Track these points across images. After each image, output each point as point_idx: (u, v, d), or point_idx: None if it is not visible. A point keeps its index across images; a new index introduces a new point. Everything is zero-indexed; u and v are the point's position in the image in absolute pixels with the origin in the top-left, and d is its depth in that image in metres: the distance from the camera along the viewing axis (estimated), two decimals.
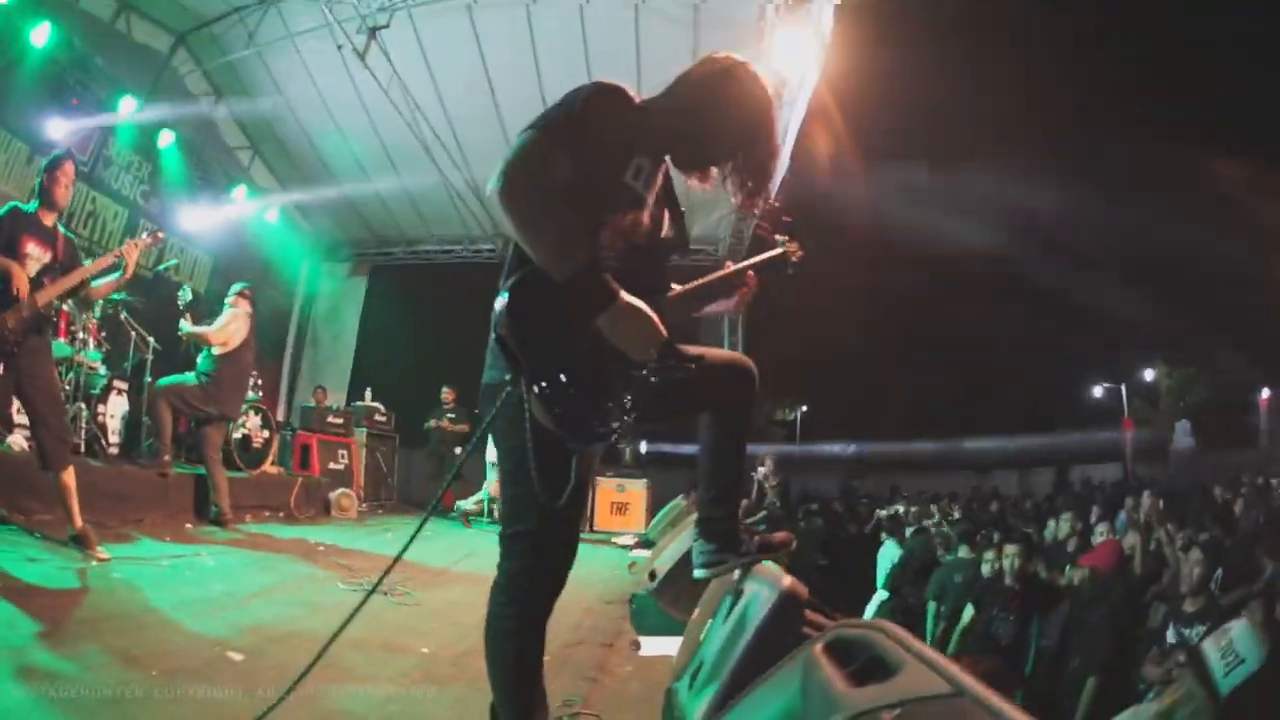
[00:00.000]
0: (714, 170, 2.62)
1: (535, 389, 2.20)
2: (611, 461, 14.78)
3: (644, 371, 2.35)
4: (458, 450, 14.65)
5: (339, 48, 10.61)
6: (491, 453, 5.10)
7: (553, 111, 2.32)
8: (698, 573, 3.12)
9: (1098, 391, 42.82)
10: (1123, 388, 40.40)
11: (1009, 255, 49.82)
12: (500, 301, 2.21)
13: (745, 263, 3.02)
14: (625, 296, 2.20)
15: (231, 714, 2.69)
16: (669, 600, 5.58)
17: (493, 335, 2.29)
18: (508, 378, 2.31)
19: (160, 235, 6.56)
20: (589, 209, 2.30)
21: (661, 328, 2.28)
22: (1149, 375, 41.68)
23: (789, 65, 10.03)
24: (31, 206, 5.39)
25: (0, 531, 5.64)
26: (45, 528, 5.80)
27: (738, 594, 3.14)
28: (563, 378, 2.22)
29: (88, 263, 5.68)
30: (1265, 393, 36.53)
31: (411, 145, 12.82)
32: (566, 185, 2.23)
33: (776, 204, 2.88)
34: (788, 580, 2.80)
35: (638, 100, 2.48)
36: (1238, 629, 3.04)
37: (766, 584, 2.88)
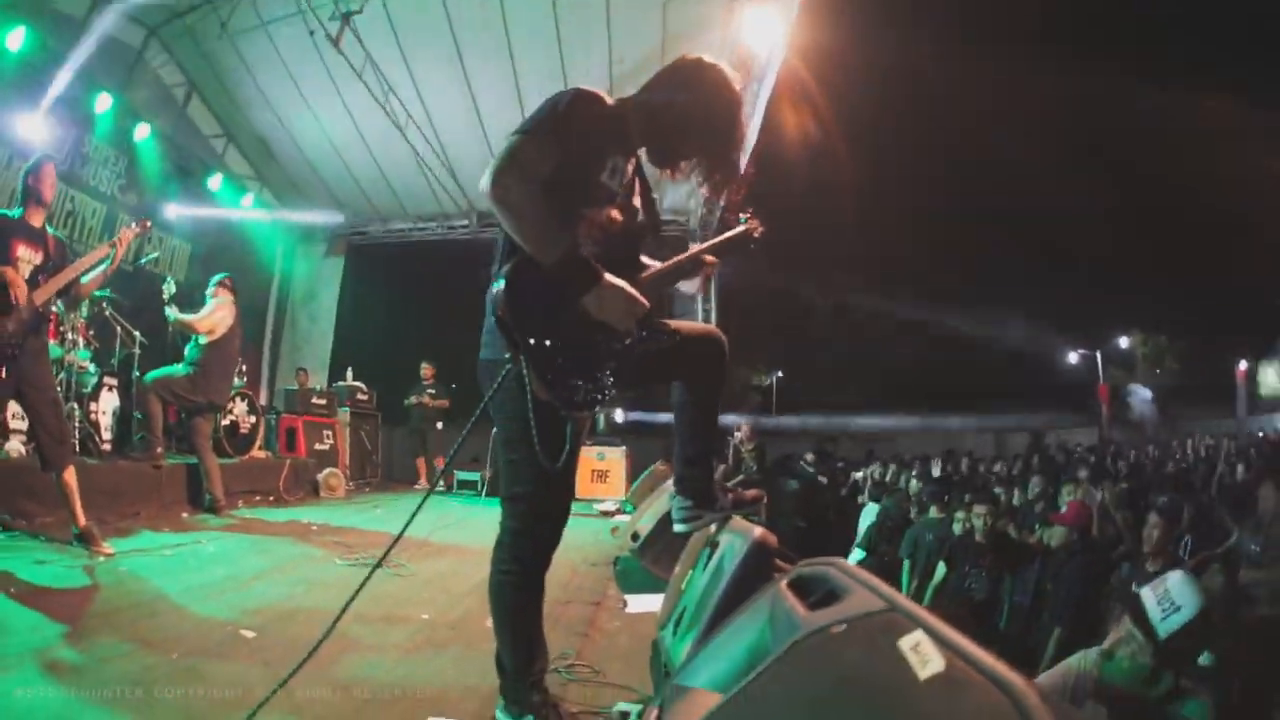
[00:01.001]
0: (684, 164, 2.87)
1: (533, 364, 2.48)
2: (590, 431, 14.95)
3: (627, 343, 2.63)
4: (439, 425, 14.86)
5: (311, 34, 10.68)
6: None
7: (536, 117, 2.56)
8: (677, 527, 3.36)
9: (1073, 358, 42.95)
10: (1098, 354, 40.62)
11: (984, 221, 50.01)
12: (497, 285, 2.49)
13: (710, 242, 3.26)
14: (608, 277, 2.50)
15: (252, 686, 2.85)
16: (651, 559, 5.85)
17: (491, 316, 2.56)
18: (506, 355, 2.57)
19: (148, 224, 6.59)
20: (568, 204, 2.58)
21: (643, 301, 2.57)
22: (1124, 343, 41.86)
23: (757, 40, 10.19)
24: (16, 212, 5.42)
25: (6, 538, 5.76)
26: (49, 530, 5.92)
27: (714, 546, 3.41)
28: (556, 353, 2.51)
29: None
30: (1243, 364, 36.94)
31: (385, 126, 12.86)
32: (549, 183, 2.50)
33: (741, 193, 3.09)
34: (759, 531, 3.06)
35: (611, 102, 2.72)
36: (1174, 578, 3.24)
37: (740, 535, 3.14)
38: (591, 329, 2.57)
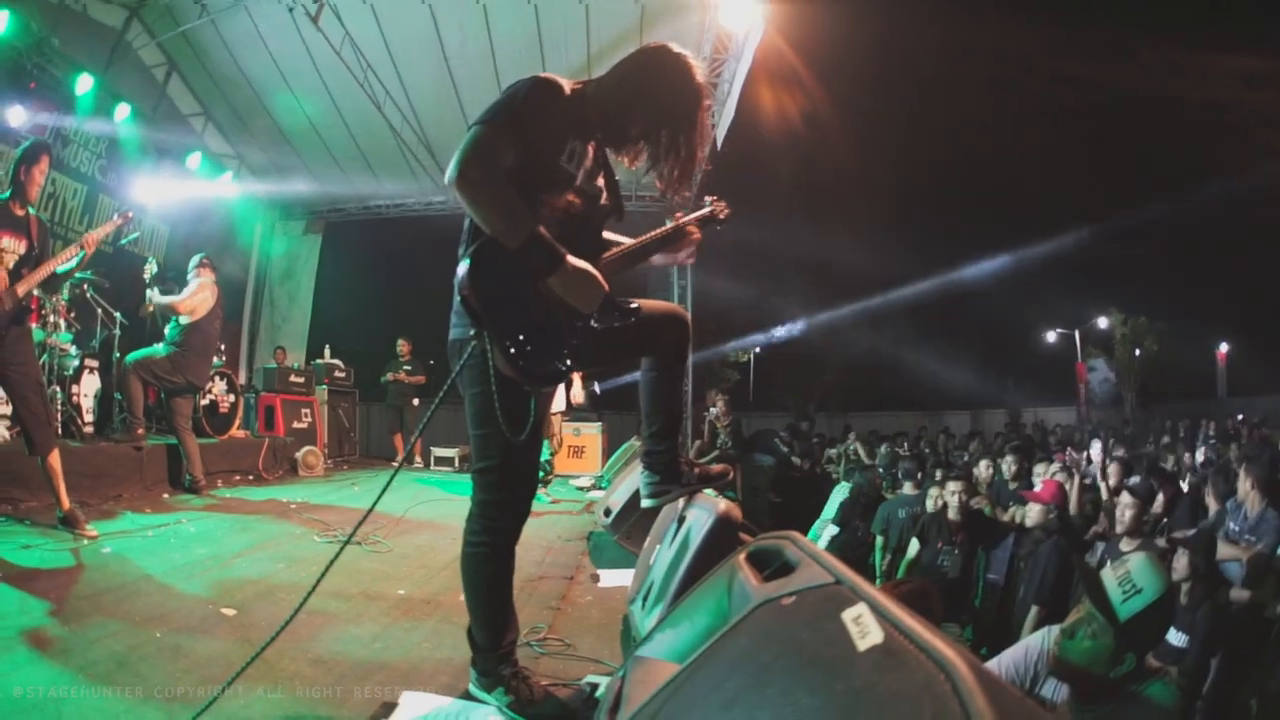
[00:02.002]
0: (642, 149, 2.94)
1: (495, 340, 2.59)
2: (568, 407, 15.05)
3: (591, 322, 2.73)
4: (415, 402, 14.91)
5: (290, 10, 10.70)
6: None
7: (497, 106, 2.64)
8: (644, 502, 3.44)
9: (1051, 337, 43.02)
10: (1076, 334, 40.73)
11: (962, 198, 50.05)
12: (463, 266, 2.60)
13: (675, 224, 3.30)
14: (571, 259, 2.59)
15: (233, 662, 2.89)
16: (623, 534, 5.94)
17: (456, 296, 2.66)
18: (471, 333, 2.67)
19: (129, 215, 6.57)
20: (529, 189, 2.67)
21: (604, 282, 2.67)
22: (1103, 323, 41.91)
23: (735, 20, 10.25)
24: (3, 196, 5.41)
25: None
26: (34, 514, 5.94)
27: (681, 520, 3.50)
28: (518, 329, 2.61)
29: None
30: (1224, 346, 37.15)
31: (363, 104, 12.90)
32: (511, 170, 2.60)
33: (689, 191, 3.15)
34: (723, 505, 3.16)
35: (570, 88, 2.80)
36: (1136, 561, 3.25)
37: (705, 509, 3.24)
38: (554, 308, 2.65)
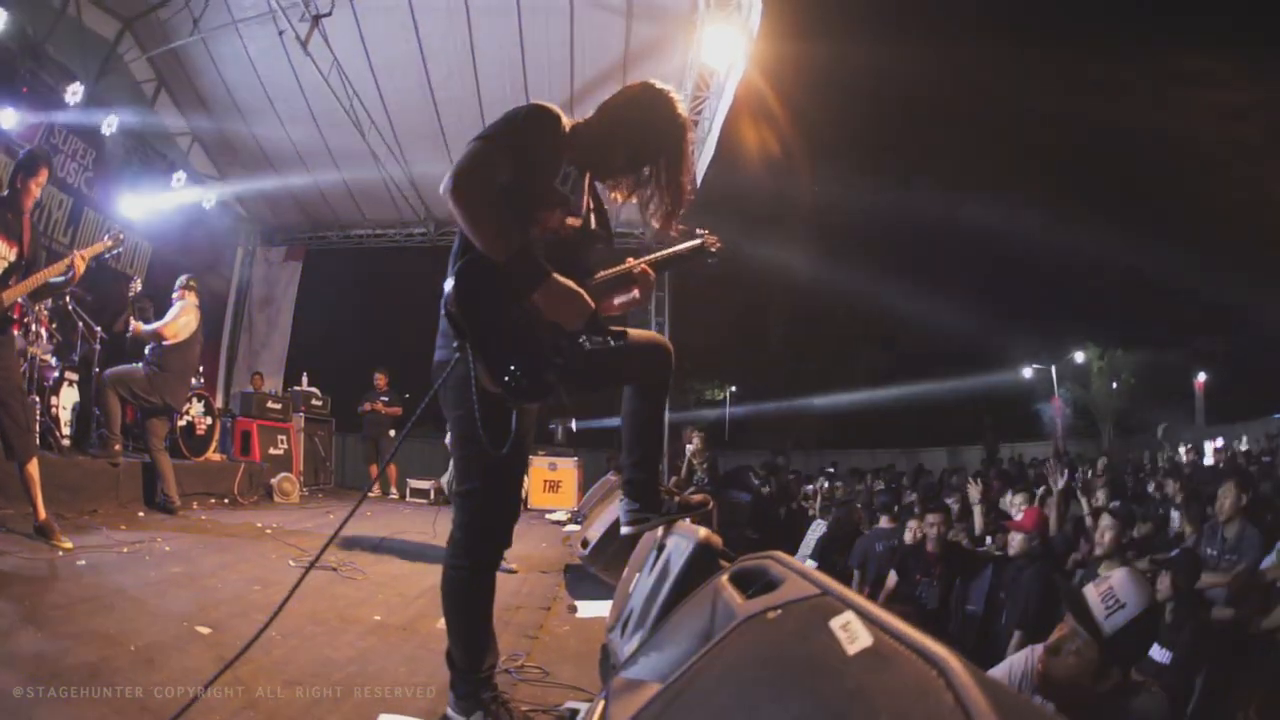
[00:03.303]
0: (629, 182, 3.00)
1: (479, 355, 2.62)
2: (545, 440, 15.02)
3: (576, 340, 2.76)
4: (391, 433, 14.84)
5: (280, 34, 10.72)
6: None
7: (496, 125, 2.71)
8: (624, 529, 3.48)
9: (1028, 372, 43.28)
10: (1053, 368, 40.99)
11: (940, 236, 50.43)
12: (449, 282, 2.63)
13: (666, 251, 3.37)
14: (556, 276, 2.62)
15: (206, 678, 2.85)
16: (601, 565, 5.93)
17: (442, 316, 2.68)
18: (457, 353, 2.68)
19: (121, 237, 6.55)
20: (523, 207, 2.72)
21: (589, 301, 2.69)
22: (1080, 357, 42.17)
23: (717, 58, 10.35)
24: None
25: None
26: (8, 521, 5.86)
27: (660, 548, 3.50)
28: (502, 344, 2.64)
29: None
30: (1201, 375, 37.46)
31: (348, 132, 12.93)
32: (505, 187, 2.64)
33: (677, 226, 3.18)
34: (704, 532, 3.17)
35: (567, 123, 2.86)
36: (1118, 576, 3.28)
37: (685, 536, 3.25)
38: (539, 325, 2.68)
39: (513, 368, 2.65)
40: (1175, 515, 8.38)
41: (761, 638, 1.62)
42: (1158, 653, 5.01)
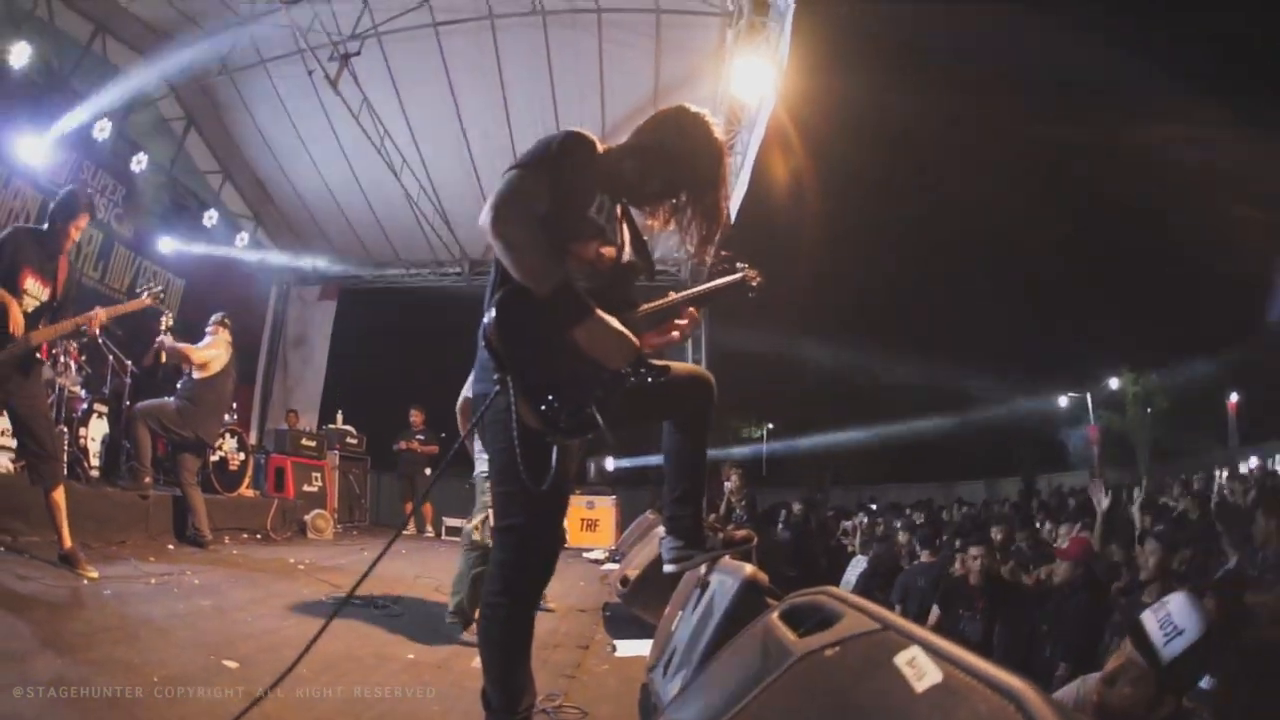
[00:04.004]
0: (666, 209, 2.91)
1: (519, 389, 2.51)
2: (580, 480, 14.93)
3: (618, 376, 2.64)
4: (427, 471, 14.80)
5: (309, 73, 10.78)
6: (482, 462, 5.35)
7: (531, 153, 2.63)
8: (667, 567, 3.35)
9: (1063, 401, 42.96)
10: (1088, 396, 40.62)
11: (971, 267, 50.32)
12: (489, 314, 2.52)
13: (708, 285, 3.29)
14: (599, 312, 2.53)
15: (233, 713, 2.77)
16: (641, 603, 5.81)
17: (481, 343, 2.58)
18: (495, 388, 2.58)
19: (162, 295, 6.56)
20: (558, 238, 2.63)
21: (634, 340, 2.59)
22: (1114, 384, 41.75)
23: (747, 90, 10.32)
24: (39, 231, 5.45)
25: None
26: (33, 548, 5.82)
27: (704, 585, 3.40)
28: (543, 378, 2.54)
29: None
30: (1234, 396, 36.93)
31: (380, 169, 12.98)
32: (542, 218, 2.55)
33: (717, 251, 3.11)
34: (749, 569, 3.06)
35: (602, 148, 2.79)
36: (1176, 601, 3.19)
37: (730, 574, 3.14)
38: (581, 359, 2.58)
39: (553, 401, 2.56)
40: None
41: (820, 676, 1.54)
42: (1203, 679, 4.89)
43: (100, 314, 5.75)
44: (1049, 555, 7.41)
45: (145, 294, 6.36)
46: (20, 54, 9.31)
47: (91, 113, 10.49)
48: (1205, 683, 4.80)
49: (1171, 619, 3.05)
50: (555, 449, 2.65)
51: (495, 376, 2.58)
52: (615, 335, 2.57)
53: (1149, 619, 3.14)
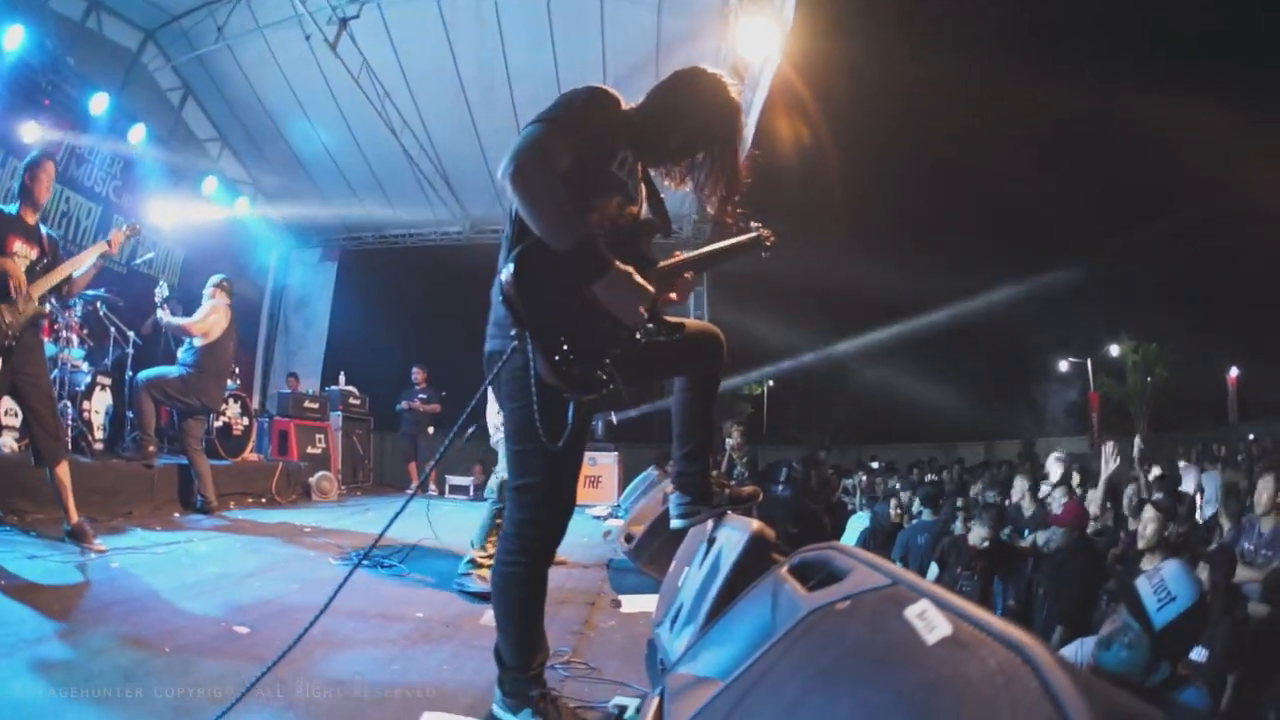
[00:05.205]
0: (683, 167, 2.96)
1: (538, 345, 2.53)
2: (589, 436, 14.99)
3: (633, 332, 2.66)
4: (430, 430, 14.84)
5: (308, 38, 10.71)
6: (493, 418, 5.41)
7: (555, 107, 2.63)
8: (675, 523, 3.41)
9: (1063, 366, 42.92)
10: (1088, 362, 40.59)
11: (974, 226, 50.17)
12: (507, 269, 2.52)
13: (723, 243, 3.32)
14: (619, 264, 2.53)
15: (245, 681, 2.72)
16: (646, 559, 5.85)
17: (498, 299, 2.61)
18: (513, 343, 2.60)
19: (138, 227, 6.55)
20: (580, 193, 2.62)
21: (651, 291, 2.60)
22: (1115, 350, 41.64)
23: (752, 51, 10.24)
24: (13, 208, 5.40)
25: None
26: (40, 526, 5.88)
27: (711, 541, 3.43)
28: (561, 333, 2.55)
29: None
30: (1234, 371, 36.88)
31: (380, 132, 12.94)
32: (564, 172, 2.55)
33: (736, 210, 3.11)
34: (756, 524, 3.09)
35: (624, 106, 2.79)
36: (1170, 568, 3.23)
37: (737, 529, 3.17)
38: (598, 315, 2.59)
39: (571, 357, 2.57)
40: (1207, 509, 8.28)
41: (831, 629, 1.57)
42: (1195, 650, 4.92)
43: (115, 235, 5.90)
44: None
45: (124, 227, 6.35)
46: (15, 37, 9.25)
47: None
48: (1199, 655, 4.86)
49: (1165, 585, 3.10)
50: (572, 406, 2.69)
51: (512, 333, 2.59)
52: (635, 288, 2.57)
53: (1143, 585, 3.19)
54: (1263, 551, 6.19)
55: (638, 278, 2.57)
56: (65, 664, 3.16)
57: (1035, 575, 6.78)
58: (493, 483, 5.52)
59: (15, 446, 7.11)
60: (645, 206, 2.98)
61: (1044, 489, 8.94)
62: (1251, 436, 24.61)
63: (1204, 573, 5.27)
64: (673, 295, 3.10)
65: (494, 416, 5.36)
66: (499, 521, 5.24)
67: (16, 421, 6.93)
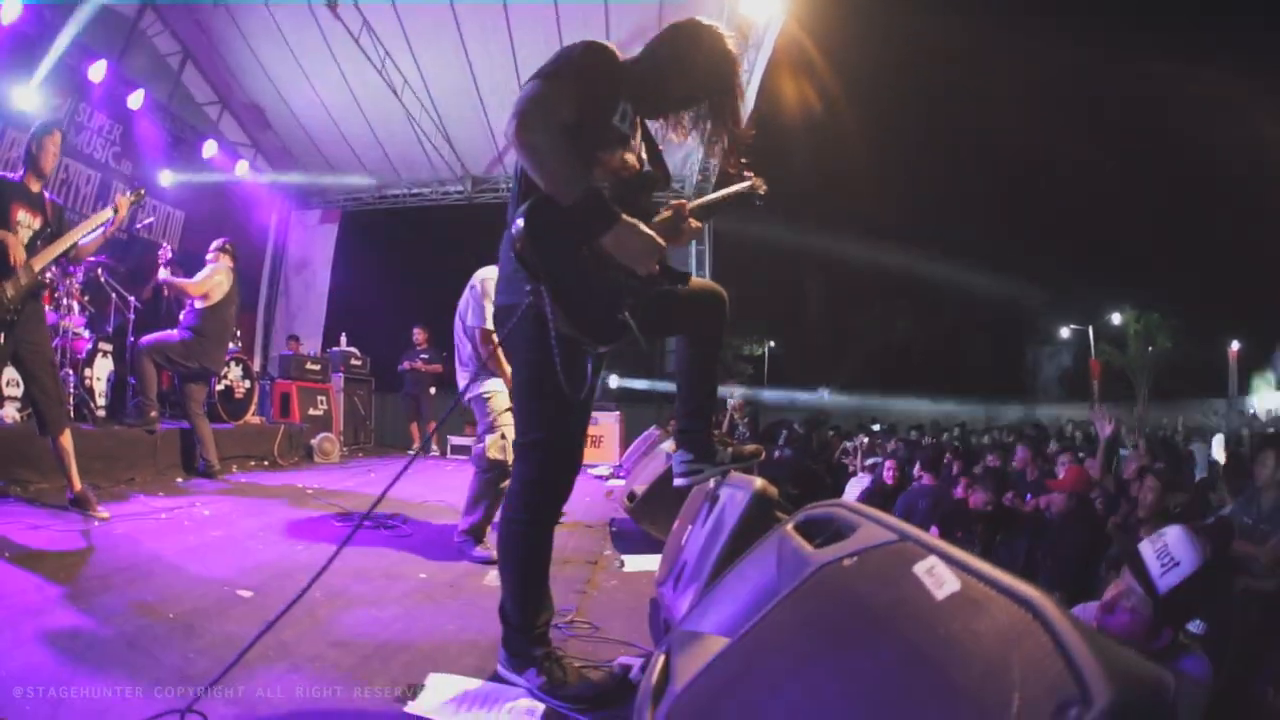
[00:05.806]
0: (686, 118, 2.93)
1: (555, 297, 2.54)
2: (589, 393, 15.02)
3: (643, 282, 2.66)
4: (432, 390, 14.85)
5: (309, 2, 10.62)
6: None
7: (554, 62, 2.62)
8: (677, 481, 3.41)
9: (1065, 332, 42.91)
10: (1090, 330, 40.58)
11: (981, 193, 49.98)
12: (517, 224, 2.53)
13: (718, 194, 3.36)
14: (626, 217, 2.54)
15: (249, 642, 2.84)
16: (649, 518, 5.87)
17: (510, 254, 2.60)
18: (528, 297, 2.60)
19: (143, 192, 6.51)
20: (583, 146, 2.63)
21: (660, 242, 2.61)
22: (1116, 319, 41.61)
23: (755, 9, 10.17)
24: (17, 176, 5.39)
25: (1, 503, 5.70)
26: (44, 495, 5.90)
27: (714, 499, 3.44)
28: (575, 285, 2.56)
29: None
30: (1235, 344, 36.85)
31: (381, 93, 12.90)
32: (567, 126, 2.54)
33: (738, 159, 3.10)
34: (759, 482, 3.10)
35: (621, 59, 2.78)
36: (1173, 533, 3.22)
37: (740, 487, 3.18)
38: (609, 266, 2.60)
39: (588, 308, 2.60)
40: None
41: (839, 585, 1.56)
42: (1193, 623, 4.93)
43: (120, 202, 5.87)
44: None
45: (128, 192, 6.29)
46: (11, 9, 9.18)
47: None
48: (1197, 628, 4.87)
49: (1169, 550, 3.08)
50: (590, 360, 2.70)
51: (527, 288, 2.59)
52: (643, 238, 2.58)
53: (1146, 549, 3.17)
54: (1262, 526, 6.21)
55: (645, 229, 2.58)
56: (70, 631, 3.17)
57: (1035, 539, 6.79)
58: (479, 447, 5.44)
59: (17, 417, 7.11)
60: (645, 160, 2.98)
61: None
62: (1251, 410, 24.67)
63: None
64: (674, 242, 3.11)
65: (462, 377, 5.35)
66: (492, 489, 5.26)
67: (18, 392, 6.91)
